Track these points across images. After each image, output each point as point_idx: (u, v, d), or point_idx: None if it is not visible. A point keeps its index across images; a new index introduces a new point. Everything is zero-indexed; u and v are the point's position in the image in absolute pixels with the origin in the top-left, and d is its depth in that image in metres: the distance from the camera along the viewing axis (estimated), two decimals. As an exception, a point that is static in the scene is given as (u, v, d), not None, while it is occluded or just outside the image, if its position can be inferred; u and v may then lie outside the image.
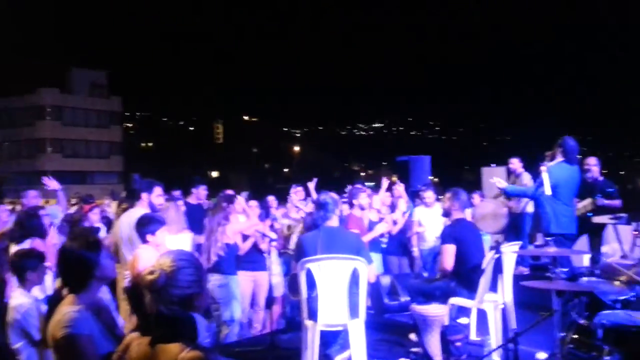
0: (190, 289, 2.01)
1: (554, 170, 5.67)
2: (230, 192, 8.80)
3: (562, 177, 5.76)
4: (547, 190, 5.17)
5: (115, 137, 50.37)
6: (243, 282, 5.69)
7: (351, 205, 6.72)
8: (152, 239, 4.38)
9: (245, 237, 5.81)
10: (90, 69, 48.96)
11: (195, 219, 6.29)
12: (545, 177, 4.32)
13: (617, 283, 3.85)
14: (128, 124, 69.12)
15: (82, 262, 2.45)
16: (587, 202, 6.98)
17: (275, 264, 6.39)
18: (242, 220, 5.96)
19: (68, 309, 2.38)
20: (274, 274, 6.27)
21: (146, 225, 4.42)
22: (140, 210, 5.00)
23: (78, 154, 47.40)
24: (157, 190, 5.19)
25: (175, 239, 5.10)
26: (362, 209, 6.51)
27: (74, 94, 47.06)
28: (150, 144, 75.67)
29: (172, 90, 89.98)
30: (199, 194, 7.57)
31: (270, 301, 6.10)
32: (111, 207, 11.09)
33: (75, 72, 47.83)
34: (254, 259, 5.84)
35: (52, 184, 6.43)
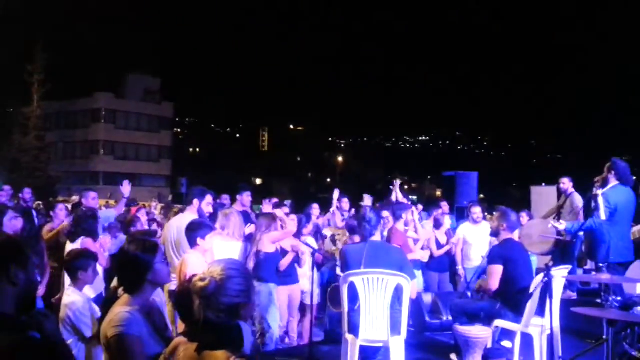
0: (238, 298, 2.04)
1: (611, 195, 5.56)
2: (275, 200, 8.91)
3: (620, 201, 5.62)
4: (603, 215, 5.01)
5: (165, 142, 51.71)
6: (280, 295, 5.69)
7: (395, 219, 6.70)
8: (202, 243, 4.48)
9: (284, 252, 5.82)
10: (145, 75, 50.52)
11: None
12: (600, 201, 4.17)
13: (673, 315, 3.68)
14: (177, 129, 70.87)
15: (137, 265, 2.53)
16: (644, 226, 6.71)
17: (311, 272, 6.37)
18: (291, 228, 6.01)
19: (121, 309, 2.47)
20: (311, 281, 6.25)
21: (196, 230, 4.53)
22: (190, 215, 5.14)
23: (129, 156, 48.88)
24: (209, 198, 5.34)
25: (228, 245, 5.19)
26: (406, 224, 6.46)
27: (128, 99, 48.66)
28: (197, 150, 77.35)
29: (221, 97, 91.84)
30: (244, 201, 7.58)
31: (305, 309, 6.11)
32: (157, 209, 11.42)
33: (131, 77, 49.47)
34: (290, 273, 5.84)
35: (125, 189, 7.01)
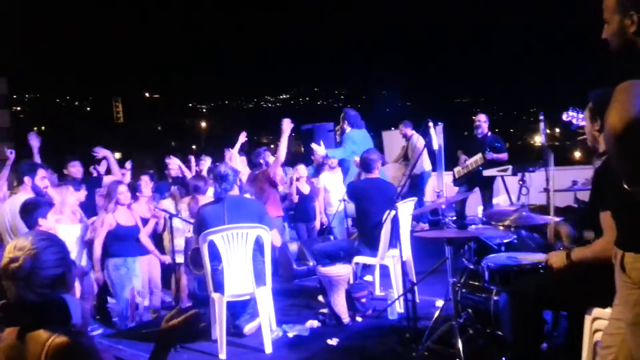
0: (58, 267, 1.87)
1: (353, 135, 7.06)
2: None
3: (358, 139, 7.01)
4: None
5: (2, 123, 46.50)
6: (143, 266, 5.47)
7: (255, 165, 6.82)
8: (44, 223, 4.10)
9: (145, 221, 5.66)
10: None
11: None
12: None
13: (501, 227, 4.13)
14: (17, 107, 64.03)
15: None
16: (478, 157, 7.43)
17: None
18: (167, 204, 6.02)
19: None
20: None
21: (34, 210, 4.12)
22: (23, 195, 4.64)
23: (-41, 143, 43.46)
24: (41, 172, 4.84)
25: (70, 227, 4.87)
26: (267, 165, 6.64)
27: (-51, 78, 42.77)
28: (43, 127, 70.60)
29: (64, 68, 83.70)
30: (71, 172, 7.00)
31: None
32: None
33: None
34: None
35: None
